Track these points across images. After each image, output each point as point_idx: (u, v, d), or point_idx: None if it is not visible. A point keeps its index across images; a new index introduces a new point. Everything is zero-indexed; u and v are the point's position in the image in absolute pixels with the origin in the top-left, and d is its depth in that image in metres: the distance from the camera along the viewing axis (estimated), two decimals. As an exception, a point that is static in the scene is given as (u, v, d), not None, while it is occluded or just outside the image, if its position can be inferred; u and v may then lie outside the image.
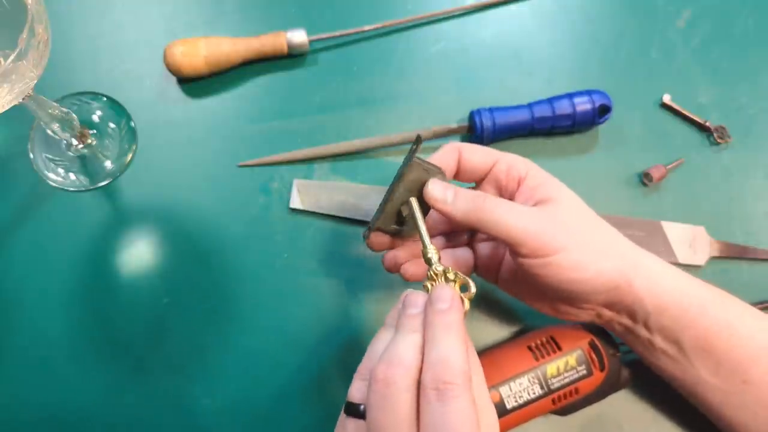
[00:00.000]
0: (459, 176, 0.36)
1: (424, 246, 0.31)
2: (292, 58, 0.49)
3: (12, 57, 0.30)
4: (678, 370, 0.34)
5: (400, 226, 0.34)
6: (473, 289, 0.29)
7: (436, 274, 0.30)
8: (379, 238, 0.36)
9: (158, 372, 0.42)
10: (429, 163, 0.33)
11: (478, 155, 0.35)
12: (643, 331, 0.34)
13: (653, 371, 0.37)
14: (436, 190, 0.32)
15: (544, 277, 0.32)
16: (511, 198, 0.35)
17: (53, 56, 0.35)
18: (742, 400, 0.33)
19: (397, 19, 0.50)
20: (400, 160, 0.47)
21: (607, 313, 0.34)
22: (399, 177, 0.33)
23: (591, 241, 0.32)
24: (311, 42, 0.48)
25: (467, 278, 0.30)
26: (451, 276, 0.30)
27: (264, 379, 0.42)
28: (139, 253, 0.45)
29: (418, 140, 0.32)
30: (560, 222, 0.32)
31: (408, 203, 0.33)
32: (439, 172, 0.33)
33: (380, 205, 0.34)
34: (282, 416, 0.42)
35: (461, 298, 0.29)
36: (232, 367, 0.42)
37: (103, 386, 0.42)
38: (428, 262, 0.31)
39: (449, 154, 0.35)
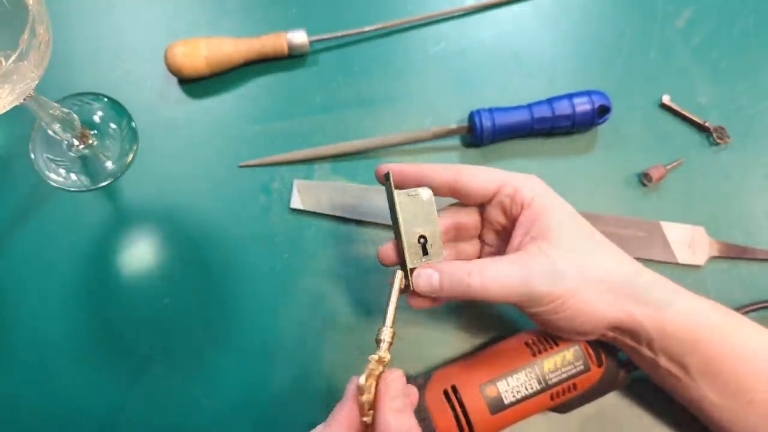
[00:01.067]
0: (461, 199, 0.36)
1: (384, 325, 0.32)
2: (292, 58, 0.49)
3: (13, 58, 0.30)
4: (682, 389, 0.34)
5: (426, 254, 0.34)
6: (366, 393, 0.29)
7: (372, 359, 0.30)
8: (419, 302, 0.35)
9: (158, 372, 0.42)
10: (411, 189, 0.34)
11: (479, 180, 0.35)
12: (646, 352, 0.34)
13: (657, 385, 0.37)
14: (422, 283, 0.33)
15: (544, 320, 0.33)
16: (513, 223, 0.35)
17: (54, 57, 0.35)
18: (747, 418, 0.33)
19: (398, 20, 0.50)
20: (400, 160, 0.47)
21: (610, 334, 0.35)
22: (394, 215, 0.33)
23: (588, 280, 0.32)
24: (312, 42, 0.48)
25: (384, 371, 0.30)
26: (373, 366, 0.30)
27: (264, 380, 0.42)
28: (139, 254, 0.45)
29: (388, 176, 0.34)
30: (553, 271, 0.32)
31: (396, 273, 0.33)
32: (422, 191, 0.34)
33: (399, 249, 0.34)
34: (282, 416, 0.42)
35: (363, 396, 0.29)
36: (232, 367, 0.42)
37: (103, 386, 0.42)
38: (377, 342, 0.31)
39: (443, 174, 0.35)
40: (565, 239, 0.33)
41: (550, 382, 0.36)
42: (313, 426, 0.41)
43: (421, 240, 0.33)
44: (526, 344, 0.38)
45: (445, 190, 0.35)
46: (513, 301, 0.32)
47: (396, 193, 0.33)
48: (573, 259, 0.32)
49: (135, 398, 0.42)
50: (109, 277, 0.44)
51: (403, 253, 0.33)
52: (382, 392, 0.29)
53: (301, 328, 0.43)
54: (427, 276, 0.33)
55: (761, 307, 0.43)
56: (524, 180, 0.34)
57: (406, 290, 0.34)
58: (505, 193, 0.34)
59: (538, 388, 0.36)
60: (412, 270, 0.33)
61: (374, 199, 0.46)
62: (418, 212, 0.34)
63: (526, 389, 0.36)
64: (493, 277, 0.32)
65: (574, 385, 0.37)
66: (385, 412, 0.28)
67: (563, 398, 0.37)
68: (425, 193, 0.34)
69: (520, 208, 0.34)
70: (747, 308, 0.43)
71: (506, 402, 0.36)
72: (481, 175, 0.35)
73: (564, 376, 0.37)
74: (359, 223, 0.46)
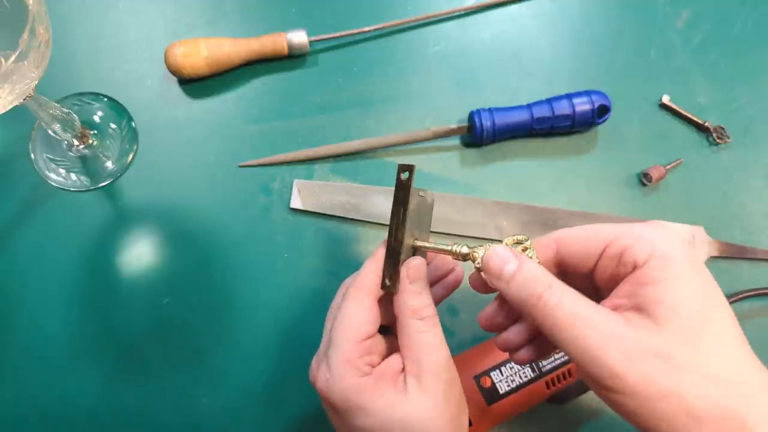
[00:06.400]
0: (570, 271, 0.28)
1: (449, 252, 0.30)
2: (292, 58, 0.49)
3: (13, 57, 0.30)
4: None
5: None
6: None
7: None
8: (493, 320, 0.30)
9: (158, 371, 0.42)
10: (420, 189, 0.31)
11: (579, 246, 0.27)
12: None
13: None
14: (493, 265, 0.27)
15: (612, 406, 0.24)
16: (607, 289, 0.26)
17: (54, 57, 0.35)
18: None
19: (398, 20, 0.50)
20: (400, 160, 0.47)
21: None
22: (401, 214, 0.29)
23: (689, 386, 0.23)
24: (311, 43, 0.48)
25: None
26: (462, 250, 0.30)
27: (264, 379, 0.42)
28: (140, 253, 0.45)
29: (411, 171, 0.29)
30: (654, 352, 0.23)
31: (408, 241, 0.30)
32: (428, 193, 0.32)
33: (391, 249, 0.30)
34: (282, 416, 0.42)
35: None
36: (232, 367, 0.42)
37: (103, 386, 0.42)
38: (464, 257, 0.30)
39: (543, 250, 0.28)
40: (680, 323, 0.23)
41: (544, 370, 0.37)
42: (312, 425, 0.42)
43: (416, 242, 0.31)
44: None
45: (551, 265, 0.28)
46: (572, 356, 0.24)
47: (411, 190, 0.29)
48: (693, 351, 0.23)
49: (135, 397, 0.42)
50: (109, 276, 0.44)
51: (397, 255, 0.30)
52: (403, 275, 0.29)
53: (301, 327, 0.43)
54: (503, 261, 0.27)
55: (757, 294, 0.44)
56: (643, 233, 0.25)
57: (387, 288, 0.30)
58: (609, 254, 0.26)
59: (533, 376, 0.36)
60: (396, 275, 0.30)
61: (374, 199, 0.46)
62: (421, 217, 0.32)
63: (521, 378, 0.36)
64: (573, 311, 0.24)
65: (569, 372, 0.37)
66: (403, 291, 0.29)
67: (559, 386, 0.37)
68: (430, 197, 0.32)
69: (631, 267, 0.25)
70: (740, 295, 0.43)
71: (501, 392, 0.36)
72: (581, 234, 0.27)
73: (558, 362, 0.37)
74: (359, 223, 0.46)
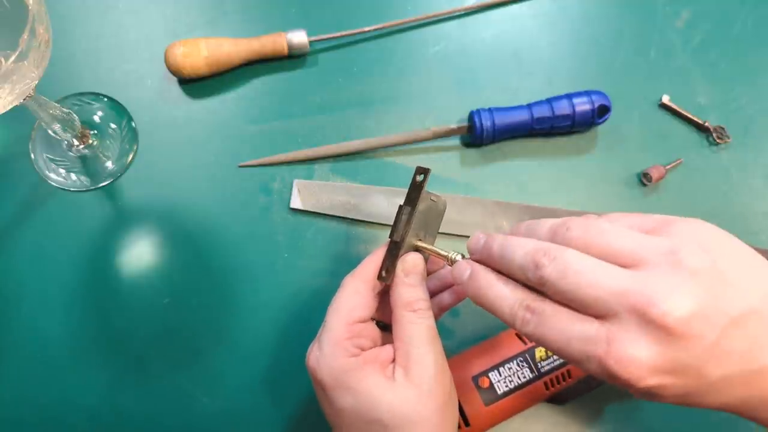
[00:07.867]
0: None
1: (444, 257, 0.31)
2: (292, 58, 0.49)
3: (13, 57, 0.30)
4: None
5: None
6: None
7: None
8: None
9: (158, 372, 0.42)
10: (433, 194, 0.33)
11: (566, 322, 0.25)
12: None
13: None
14: (455, 273, 0.29)
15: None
16: None
17: (54, 57, 0.35)
18: None
19: (398, 20, 0.50)
20: (400, 160, 0.47)
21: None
22: (410, 213, 0.31)
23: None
24: (311, 43, 0.48)
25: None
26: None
27: (264, 379, 0.42)
28: (139, 253, 0.45)
29: (425, 173, 0.30)
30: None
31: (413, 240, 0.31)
32: (441, 200, 0.33)
33: (394, 245, 0.31)
34: (282, 416, 0.42)
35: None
36: (231, 367, 0.42)
37: (103, 386, 0.42)
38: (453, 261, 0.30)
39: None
40: None
41: (542, 370, 0.36)
42: (312, 425, 0.42)
43: (419, 243, 0.32)
44: (517, 335, 0.38)
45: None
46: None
47: (424, 193, 0.31)
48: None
49: (135, 397, 0.42)
50: (109, 276, 0.44)
51: (397, 249, 0.31)
52: (399, 268, 0.31)
53: (301, 328, 0.43)
54: (461, 269, 0.29)
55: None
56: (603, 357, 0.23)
57: (382, 279, 0.31)
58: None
59: (531, 376, 0.36)
60: (392, 268, 0.31)
61: (374, 199, 0.46)
62: (428, 220, 0.33)
63: (519, 378, 0.36)
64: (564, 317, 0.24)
65: (569, 373, 0.37)
66: (398, 284, 0.31)
67: (559, 387, 0.37)
68: (442, 203, 0.33)
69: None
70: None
71: (499, 392, 0.36)
72: (590, 292, 0.23)
73: (557, 363, 0.37)
74: (359, 223, 0.46)
